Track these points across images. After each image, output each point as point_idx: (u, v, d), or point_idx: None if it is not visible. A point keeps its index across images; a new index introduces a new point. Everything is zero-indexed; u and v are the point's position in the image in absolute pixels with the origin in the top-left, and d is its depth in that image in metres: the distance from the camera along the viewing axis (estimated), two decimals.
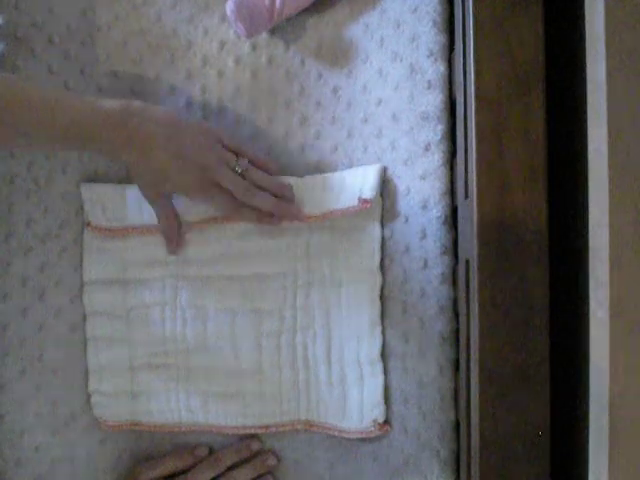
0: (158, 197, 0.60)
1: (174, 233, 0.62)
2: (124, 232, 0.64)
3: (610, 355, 0.39)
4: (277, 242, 0.62)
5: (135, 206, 0.63)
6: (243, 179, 0.59)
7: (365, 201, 0.57)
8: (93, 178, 0.65)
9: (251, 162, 0.60)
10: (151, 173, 0.57)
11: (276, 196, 0.60)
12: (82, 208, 0.65)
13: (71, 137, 0.54)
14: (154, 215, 0.61)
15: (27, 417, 0.63)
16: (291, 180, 0.61)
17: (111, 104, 0.55)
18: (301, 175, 0.62)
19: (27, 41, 0.64)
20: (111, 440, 0.65)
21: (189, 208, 0.62)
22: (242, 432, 0.64)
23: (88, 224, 0.64)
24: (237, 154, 0.60)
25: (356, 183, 0.59)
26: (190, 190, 0.58)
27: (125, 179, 0.64)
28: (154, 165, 0.56)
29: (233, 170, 0.58)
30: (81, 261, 0.65)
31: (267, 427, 0.63)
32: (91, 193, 0.64)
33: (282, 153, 0.63)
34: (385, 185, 0.60)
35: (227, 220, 0.63)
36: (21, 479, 0.63)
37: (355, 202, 0.58)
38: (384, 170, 0.59)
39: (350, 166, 0.61)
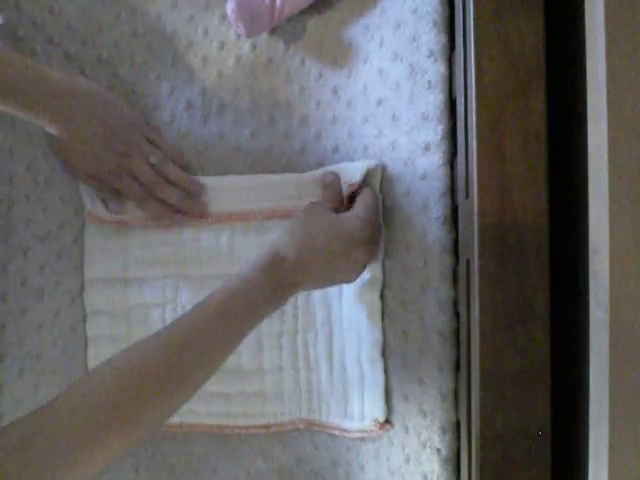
0: (78, 175, 0.61)
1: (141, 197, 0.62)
2: (126, 223, 0.64)
3: (610, 355, 0.39)
4: None
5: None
6: (154, 171, 0.61)
7: (352, 185, 0.58)
8: None
9: (165, 154, 0.62)
10: (77, 149, 0.59)
11: (186, 191, 0.62)
12: (82, 208, 0.65)
13: (11, 96, 0.55)
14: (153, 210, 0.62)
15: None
16: (291, 177, 0.61)
17: (56, 73, 0.56)
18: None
19: (27, 41, 0.64)
20: None
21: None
22: (243, 432, 0.64)
23: (90, 215, 0.64)
24: (153, 144, 0.62)
25: (347, 174, 0.59)
26: (105, 174, 0.60)
27: None
28: (81, 143, 0.58)
29: (147, 161, 0.60)
30: (81, 261, 0.65)
31: (268, 427, 0.63)
32: (90, 190, 0.64)
33: (282, 153, 0.63)
34: (385, 185, 0.60)
35: (227, 220, 0.63)
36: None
37: (345, 189, 0.59)
38: (383, 165, 0.59)
39: None
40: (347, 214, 0.56)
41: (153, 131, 0.63)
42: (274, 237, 0.53)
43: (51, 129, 0.58)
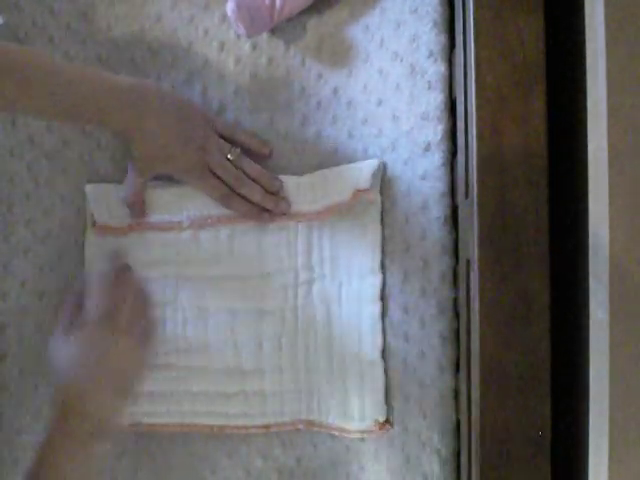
0: (148, 177, 0.61)
1: (140, 208, 0.63)
2: (130, 229, 0.64)
3: (610, 355, 0.39)
4: (277, 241, 0.62)
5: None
6: (235, 167, 0.60)
7: (359, 191, 0.58)
8: (94, 179, 0.65)
9: (244, 151, 0.61)
10: (154, 153, 0.58)
11: (266, 190, 0.61)
12: (82, 208, 0.65)
13: (83, 111, 0.55)
14: (157, 212, 0.62)
15: (25, 416, 0.63)
16: (291, 179, 0.61)
17: (125, 81, 0.56)
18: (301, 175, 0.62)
19: (27, 41, 0.64)
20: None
21: (189, 207, 0.62)
22: (243, 432, 0.64)
23: (93, 224, 0.64)
24: (230, 141, 0.61)
25: (352, 177, 0.59)
26: (188, 172, 0.59)
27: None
28: (159, 145, 0.57)
29: (226, 157, 0.60)
30: (81, 261, 0.65)
31: (268, 427, 0.63)
32: (96, 193, 0.64)
33: (282, 153, 0.63)
34: (385, 185, 0.60)
35: (227, 220, 0.63)
36: (18, 478, 0.63)
37: (351, 194, 0.58)
38: (383, 165, 0.59)
39: None
40: (86, 328, 0.54)
41: (227, 127, 0.62)
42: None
43: (126, 138, 0.57)
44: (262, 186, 0.61)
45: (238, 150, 0.61)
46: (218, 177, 0.60)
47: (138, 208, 0.62)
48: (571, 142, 0.49)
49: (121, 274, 0.58)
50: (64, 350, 0.53)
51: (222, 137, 0.61)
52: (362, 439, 0.61)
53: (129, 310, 0.55)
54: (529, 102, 0.47)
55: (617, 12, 0.39)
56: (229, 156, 0.60)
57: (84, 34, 0.65)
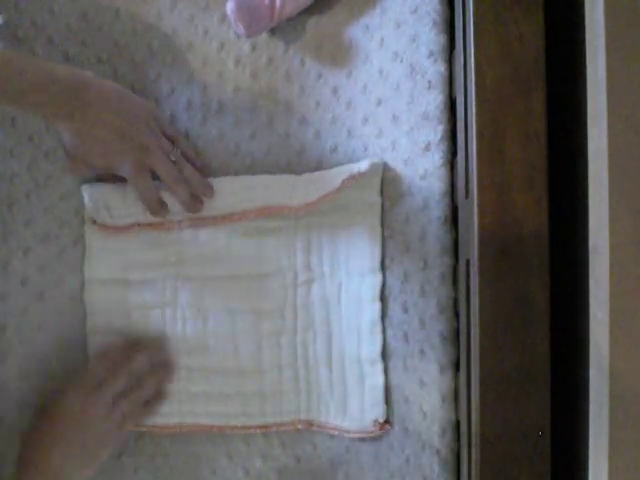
0: (83, 172, 0.61)
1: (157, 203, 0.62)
2: (129, 229, 0.64)
3: (610, 355, 0.39)
4: (277, 240, 0.62)
5: (137, 203, 0.63)
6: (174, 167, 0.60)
7: (353, 176, 0.57)
8: (94, 178, 0.65)
9: (183, 154, 0.61)
10: (88, 146, 0.57)
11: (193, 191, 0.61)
12: (82, 208, 0.65)
13: (25, 99, 0.54)
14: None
15: (25, 417, 0.63)
16: (289, 178, 0.61)
17: (63, 72, 0.55)
18: (299, 174, 0.62)
19: (27, 41, 0.64)
20: None
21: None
22: (243, 432, 0.64)
23: (94, 222, 0.64)
24: (173, 142, 0.61)
25: (348, 170, 0.59)
26: (125, 169, 0.59)
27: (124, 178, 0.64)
28: (95, 138, 0.57)
29: (167, 157, 0.59)
30: (81, 261, 0.65)
31: (268, 427, 0.63)
32: (93, 193, 0.63)
33: (282, 153, 0.63)
34: (385, 185, 0.60)
35: (226, 221, 0.63)
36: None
37: (342, 181, 0.58)
38: (383, 165, 0.59)
39: None
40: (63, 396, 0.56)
41: (170, 127, 0.61)
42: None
43: (64, 129, 0.57)
44: (191, 187, 0.61)
45: (179, 152, 0.61)
46: (154, 176, 0.59)
47: (156, 204, 0.61)
48: (571, 142, 0.49)
49: (129, 350, 0.59)
50: (55, 404, 0.55)
51: (166, 136, 0.61)
52: (362, 439, 0.61)
53: (123, 386, 0.57)
54: (529, 102, 0.47)
55: (617, 12, 0.39)
56: (171, 157, 0.60)
57: (84, 34, 0.65)
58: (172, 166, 0.59)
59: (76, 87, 0.55)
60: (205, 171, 0.62)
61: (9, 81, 0.52)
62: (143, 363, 0.60)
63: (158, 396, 0.61)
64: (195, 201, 0.61)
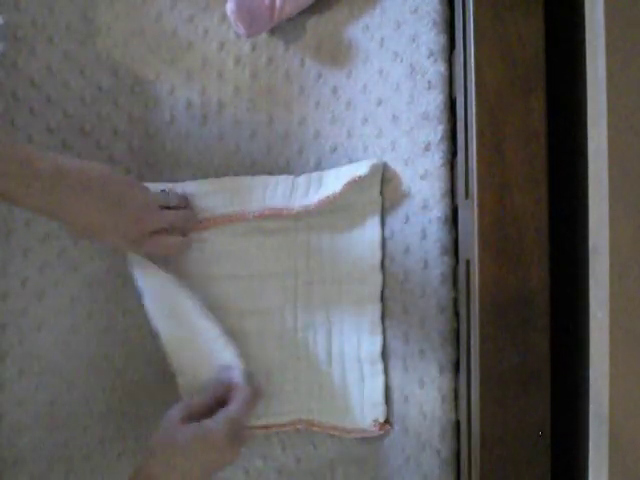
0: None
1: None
2: None
3: (610, 355, 0.39)
4: (277, 241, 0.62)
5: None
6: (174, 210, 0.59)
7: (355, 179, 0.57)
8: None
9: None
10: (88, 233, 0.56)
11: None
12: None
13: (5, 193, 0.52)
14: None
15: (26, 417, 0.63)
16: (288, 179, 0.61)
17: (38, 166, 0.52)
18: (298, 175, 0.62)
19: (27, 41, 0.64)
20: (110, 440, 0.65)
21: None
22: None
23: None
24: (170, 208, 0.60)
25: (348, 171, 0.59)
26: (126, 245, 0.58)
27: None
28: (90, 226, 0.55)
29: (166, 206, 0.59)
30: (81, 261, 0.65)
31: (268, 427, 0.63)
32: None
33: (281, 153, 0.63)
34: (385, 185, 0.60)
35: (227, 221, 0.63)
36: (18, 478, 0.63)
37: (344, 184, 0.57)
38: (383, 166, 0.59)
39: None
40: (211, 422, 0.53)
41: (163, 199, 0.60)
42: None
43: (68, 224, 0.56)
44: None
45: (175, 195, 0.60)
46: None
47: (181, 247, 0.62)
48: (571, 142, 0.49)
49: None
50: (187, 428, 0.53)
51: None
52: (362, 439, 0.61)
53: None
54: (529, 102, 0.47)
55: (617, 12, 0.39)
56: (170, 203, 0.59)
57: (84, 34, 0.65)
58: (171, 213, 0.59)
59: (53, 182, 0.52)
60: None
61: None
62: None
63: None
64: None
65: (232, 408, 0.55)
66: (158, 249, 0.59)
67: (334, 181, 0.59)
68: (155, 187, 0.62)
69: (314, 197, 0.59)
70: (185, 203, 0.62)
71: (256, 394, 0.57)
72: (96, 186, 0.55)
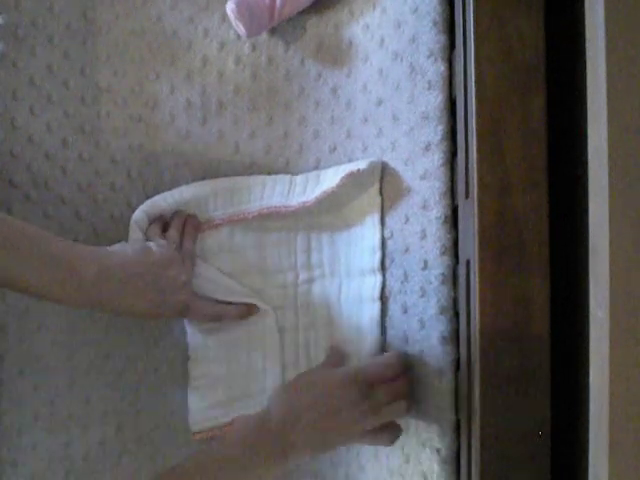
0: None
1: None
2: None
3: (610, 355, 0.39)
4: (277, 240, 0.62)
5: None
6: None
7: (351, 172, 0.57)
8: (94, 179, 0.65)
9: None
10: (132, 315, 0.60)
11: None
12: (81, 209, 0.65)
13: (39, 294, 0.54)
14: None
15: (25, 416, 0.63)
16: (286, 178, 0.61)
17: (81, 269, 0.54)
18: (297, 174, 0.62)
19: (27, 41, 0.64)
20: (110, 441, 0.65)
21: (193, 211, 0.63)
22: None
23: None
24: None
25: (345, 168, 0.59)
26: (167, 315, 0.61)
27: (129, 182, 0.64)
28: (134, 313, 0.59)
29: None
30: None
31: None
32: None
33: (281, 153, 0.63)
34: (385, 185, 0.60)
35: (226, 221, 0.63)
36: (17, 478, 0.63)
37: (340, 178, 0.57)
38: (382, 165, 0.59)
39: None
40: (339, 370, 0.54)
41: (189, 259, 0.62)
42: (266, 406, 0.52)
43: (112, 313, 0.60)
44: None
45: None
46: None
47: (220, 313, 0.63)
48: (571, 142, 0.49)
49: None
50: (312, 373, 0.55)
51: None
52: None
53: (386, 396, 0.54)
54: (529, 102, 0.47)
55: (617, 12, 0.39)
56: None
57: (84, 34, 0.65)
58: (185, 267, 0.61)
59: (95, 285, 0.55)
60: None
61: (28, 274, 0.52)
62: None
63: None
64: None
65: (368, 365, 0.55)
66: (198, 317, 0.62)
67: (332, 177, 0.59)
68: (156, 200, 0.62)
69: (312, 194, 0.59)
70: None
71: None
72: (136, 280, 0.57)
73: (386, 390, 0.54)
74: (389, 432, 0.55)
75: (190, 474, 0.49)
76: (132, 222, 0.62)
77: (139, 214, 0.62)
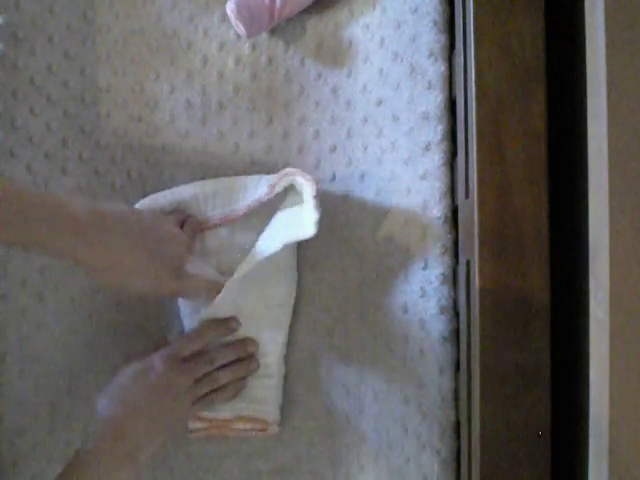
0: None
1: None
2: None
3: (610, 355, 0.39)
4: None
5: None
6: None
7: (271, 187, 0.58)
8: (94, 179, 0.65)
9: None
10: (116, 278, 0.53)
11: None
12: None
13: (26, 239, 0.49)
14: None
15: (25, 417, 0.63)
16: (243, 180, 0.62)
17: (78, 209, 0.50)
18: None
19: (27, 41, 0.64)
20: None
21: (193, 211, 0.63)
22: (244, 434, 0.63)
23: None
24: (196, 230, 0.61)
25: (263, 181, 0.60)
26: (162, 288, 0.56)
27: (129, 182, 0.64)
28: (123, 272, 0.53)
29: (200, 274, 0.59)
30: None
31: (271, 426, 0.63)
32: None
33: (281, 153, 0.63)
34: (385, 185, 0.60)
35: (224, 221, 0.63)
36: (17, 478, 0.63)
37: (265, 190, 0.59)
38: (312, 181, 0.57)
39: (349, 165, 0.61)
40: (150, 356, 0.56)
41: (192, 222, 0.61)
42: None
43: (94, 269, 0.52)
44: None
45: (212, 274, 0.60)
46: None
47: (214, 288, 0.60)
48: (571, 142, 0.49)
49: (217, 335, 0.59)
50: (129, 367, 0.56)
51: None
52: (362, 439, 0.61)
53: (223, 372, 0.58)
54: (529, 102, 0.47)
55: (617, 12, 0.39)
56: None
57: (84, 34, 0.65)
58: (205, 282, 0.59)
59: (85, 226, 0.50)
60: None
61: (18, 219, 0.48)
62: (227, 355, 0.60)
63: (232, 388, 0.61)
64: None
65: (175, 341, 0.59)
66: (191, 293, 0.59)
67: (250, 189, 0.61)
68: (155, 197, 0.62)
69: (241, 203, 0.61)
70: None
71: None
72: (136, 233, 0.53)
73: (200, 360, 0.58)
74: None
75: None
76: None
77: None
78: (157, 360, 0.56)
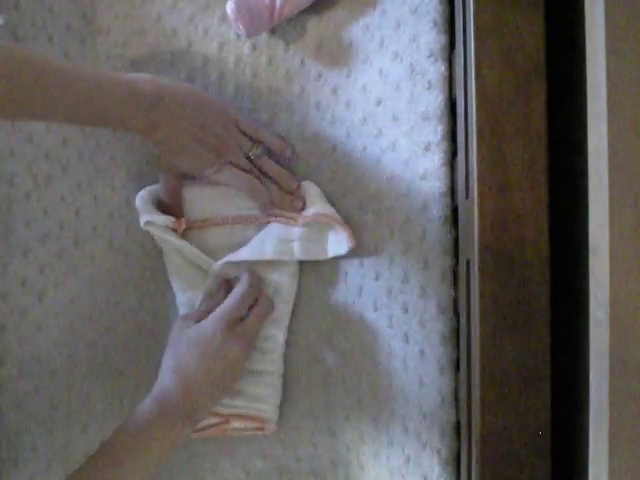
0: (174, 175, 0.62)
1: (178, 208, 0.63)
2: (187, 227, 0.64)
3: (610, 355, 0.39)
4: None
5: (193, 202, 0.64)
6: (255, 166, 0.61)
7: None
8: (94, 179, 0.65)
9: (267, 148, 0.62)
10: (171, 152, 0.58)
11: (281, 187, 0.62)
12: (82, 209, 0.65)
13: (101, 118, 0.55)
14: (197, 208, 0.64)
15: (25, 417, 0.63)
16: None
17: (143, 87, 0.55)
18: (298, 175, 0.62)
19: (27, 41, 0.64)
20: None
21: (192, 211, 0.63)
22: (245, 433, 0.63)
23: (150, 225, 0.62)
24: (253, 139, 0.61)
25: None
26: (204, 169, 0.59)
27: (129, 182, 0.65)
28: (175, 146, 0.58)
29: (246, 156, 0.60)
30: (81, 262, 0.65)
31: (268, 424, 0.63)
32: (145, 201, 0.63)
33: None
34: (385, 185, 0.60)
35: (225, 222, 0.63)
36: (17, 478, 0.63)
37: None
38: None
39: (349, 165, 0.61)
40: (204, 322, 0.57)
41: (250, 125, 0.61)
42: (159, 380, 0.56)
43: (145, 138, 0.57)
44: (280, 186, 0.61)
45: (259, 149, 0.61)
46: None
47: (177, 209, 0.63)
48: (571, 141, 0.49)
49: (256, 283, 0.61)
50: (185, 334, 0.57)
51: (245, 134, 0.61)
52: (362, 439, 0.61)
53: (253, 320, 0.59)
54: (529, 102, 0.47)
55: (617, 12, 0.39)
56: (250, 154, 0.60)
57: (84, 34, 0.65)
58: (249, 164, 0.60)
59: (152, 102, 0.55)
60: (293, 160, 0.63)
61: (88, 99, 0.52)
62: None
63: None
64: (285, 199, 0.61)
65: (226, 304, 0.58)
66: (231, 180, 0.60)
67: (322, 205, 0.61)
68: (151, 189, 0.62)
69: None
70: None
71: (260, 293, 0.61)
72: (190, 111, 0.57)
73: (253, 315, 0.59)
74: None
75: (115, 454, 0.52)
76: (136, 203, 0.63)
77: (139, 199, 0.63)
78: (210, 327, 0.57)
